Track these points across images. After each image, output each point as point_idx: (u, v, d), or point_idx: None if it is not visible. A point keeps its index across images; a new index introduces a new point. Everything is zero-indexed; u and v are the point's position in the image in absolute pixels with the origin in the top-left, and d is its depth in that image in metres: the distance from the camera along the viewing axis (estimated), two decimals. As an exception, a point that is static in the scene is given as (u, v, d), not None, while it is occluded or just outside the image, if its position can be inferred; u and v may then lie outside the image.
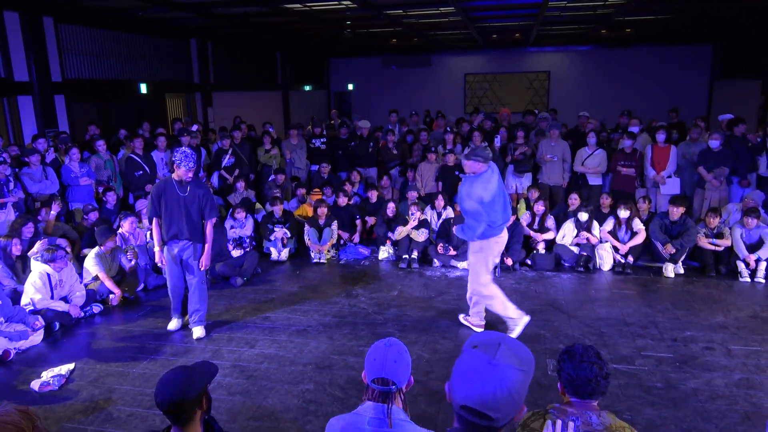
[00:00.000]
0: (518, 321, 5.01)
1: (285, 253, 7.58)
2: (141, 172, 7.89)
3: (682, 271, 6.76)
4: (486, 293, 5.04)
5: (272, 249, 7.58)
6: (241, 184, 8.48)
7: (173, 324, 5.37)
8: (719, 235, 6.72)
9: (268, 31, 13.32)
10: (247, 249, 7.18)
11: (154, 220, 5.06)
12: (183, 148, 5.04)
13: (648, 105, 14.54)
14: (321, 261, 7.46)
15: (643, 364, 4.58)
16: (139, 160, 7.92)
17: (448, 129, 9.69)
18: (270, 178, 8.94)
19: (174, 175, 4.98)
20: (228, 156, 8.84)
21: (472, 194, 4.70)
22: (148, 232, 6.65)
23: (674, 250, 6.64)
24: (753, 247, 6.56)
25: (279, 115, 16.12)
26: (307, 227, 7.61)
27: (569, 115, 12.49)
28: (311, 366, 4.63)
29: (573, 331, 5.26)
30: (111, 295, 6.01)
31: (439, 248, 7.06)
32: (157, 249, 5.15)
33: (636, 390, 4.20)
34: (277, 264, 7.48)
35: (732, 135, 7.90)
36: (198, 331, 5.22)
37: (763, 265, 6.47)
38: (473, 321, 5.30)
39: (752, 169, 7.77)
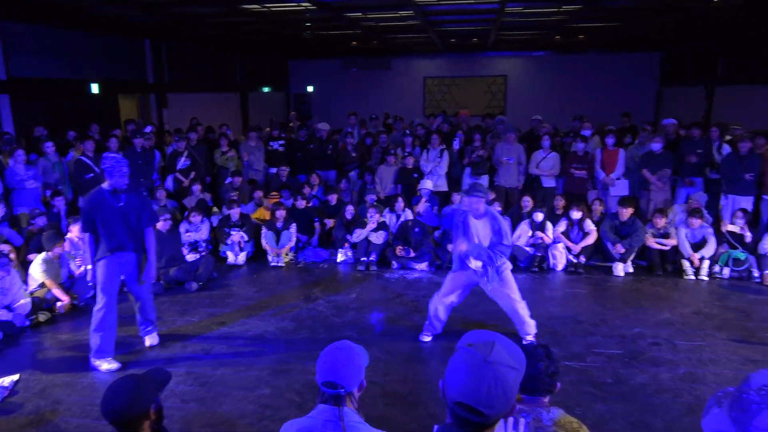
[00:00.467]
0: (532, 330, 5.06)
1: (242, 257, 7.48)
2: (92, 174, 7.64)
3: (631, 269, 7.00)
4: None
5: (229, 253, 7.47)
6: (197, 187, 8.33)
7: (106, 366, 4.62)
8: (665, 235, 6.99)
9: (226, 31, 13.14)
10: (203, 253, 7.05)
11: (87, 236, 4.62)
12: (112, 153, 4.74)
13: (600, 109, 14.96)
14: (279, 264, 7.39)
15: (594, 361, 4.72)
16: (89, 162, 7.67)
17: (407, 132, 9.76)
18: (227, 181, 8.81)
19: (105, 185, 4.54)
20: (183, 158, 8.67)
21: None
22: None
23: (624, 250, 6.87)
24: (697, 246, 6.85)
25: (237, 117, 15.90)
26: (264, 230, 7.53)
27: (526, 119, 12.76)
28: (268, 371, 4.58)
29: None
30: (58, 303, 5.80)
31: (398, 251, 7.10)
32: (89, 267, 4.71)
33: (587, 386, 4.32)
34: (234, 268, 7.38)
35: (685, 138, 8.25)
36: (150, 339, 5.07)
37: (706, 264, 6.76)
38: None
39: (701, 174, 8.11)
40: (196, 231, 7.32)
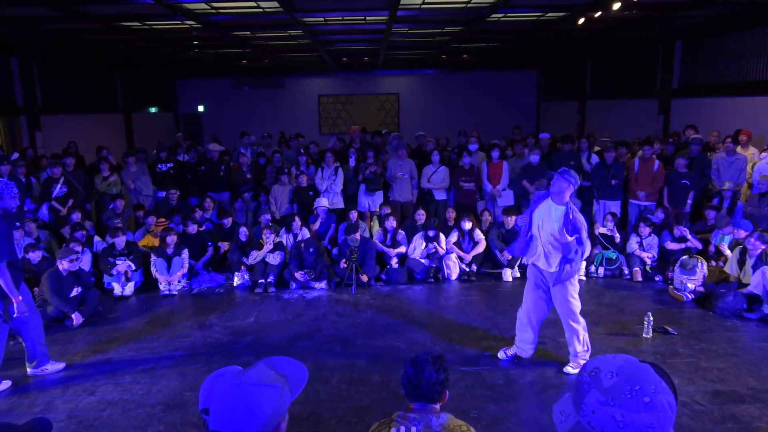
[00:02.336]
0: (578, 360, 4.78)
1: (129, 288, 7.06)
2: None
3: (518, 274, 7.44)
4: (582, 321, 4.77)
5: (115, 284, 7.02)
6: (76, 215, 7.76)
7: None
8: (547, 240, 7.50)
9: (105, 49, 12.46)
10: (86, 286, 6.57)
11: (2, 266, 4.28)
12: None
13: (487, 124, 15.86)
14: (171, 293, 7.06)
15: (486, 364, 4.95)
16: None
17: (302, 150, 9.75)
18: (110, 207, 8.30)
19: None
20: (59, 185, 8.06)
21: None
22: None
23: (511, 256, 7.30)
24: (574, 249, 7.41)
25: (121, 139, 15.03)
26: (153, 258, 7.17)
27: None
28: (161, 406, 4.35)
29: (425, 340, 5.53)
30: None
31: (298, 276, 7.04)
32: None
33: (481, 389, 4.52)
34: (121, 300, 6.94)
35: (556, 150, 8.93)
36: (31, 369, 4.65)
37: (583, 264, 7.32)
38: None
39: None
40: (78, 262, 6.79)
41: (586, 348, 4.78)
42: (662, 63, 11.99)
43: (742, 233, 6.61)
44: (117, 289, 7.01)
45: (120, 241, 7.17)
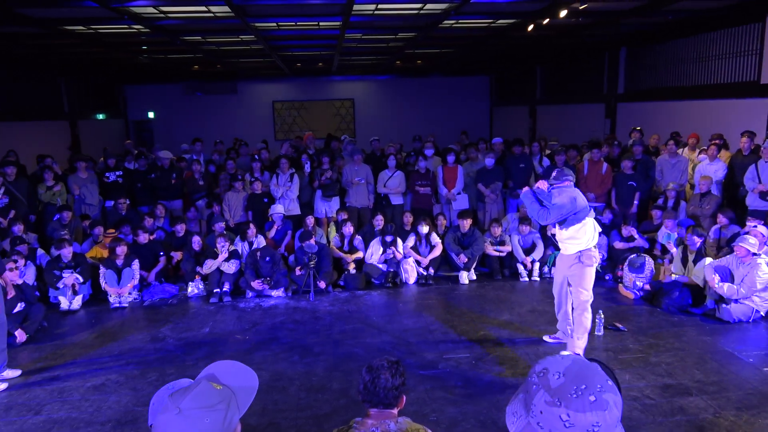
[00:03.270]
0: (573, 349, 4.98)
1: (77, 301, 6.78)
2: None
3: (474, 277, 7.54)
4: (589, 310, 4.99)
5: (61, 298, 6.74)
6: (18, 228, 7.40)
7: None
8: (502, 243, 7.64)
9: (48, 53, 12.00)
10: (30, 301, 6.28)
11: None
12: None
13: (442, 129, 16.06)
14: (121, 305, 6.82)
15: (445, 367, 4.99)
16: None
17: (256, 157, 9.61)
18: (55, 218, 7.96)
19: None
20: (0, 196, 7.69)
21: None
22: None
23: (467, 259, 7.40)
24: (528, 251, 7.58)
25: (66, 147, 14.46)
26: (102, 269, 6.92)
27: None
28: (111, 424, 4.19)
29: (384, 345, 5.53)
30: None
31: (256, 285, 6.92)
32: None
33: (440, 392, 4.54)
34: (69, 314, 6.66)
35: (509, 154, 9.12)
36: None
37: (537, 266, 7.50)
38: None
39: (525, 184, 9.00)
40: (20, 277, 6.49)
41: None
42: (608, 69, 12.43)
43: (683, 231, 6.91)
44: (64, 303, 6.73)
45: (66, 252, 6.89)
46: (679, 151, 8.60)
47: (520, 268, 7.50)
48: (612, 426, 1.10)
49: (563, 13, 7.81)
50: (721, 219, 7.11)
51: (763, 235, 6.05)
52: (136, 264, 7.05)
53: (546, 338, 5.51)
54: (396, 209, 8.79)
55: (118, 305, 6.82)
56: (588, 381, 1.11)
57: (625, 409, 4.14)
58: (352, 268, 7.43)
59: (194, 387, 1.30)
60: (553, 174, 4.93)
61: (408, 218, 7.98)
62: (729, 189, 7.94)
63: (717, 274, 5.91)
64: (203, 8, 7.76)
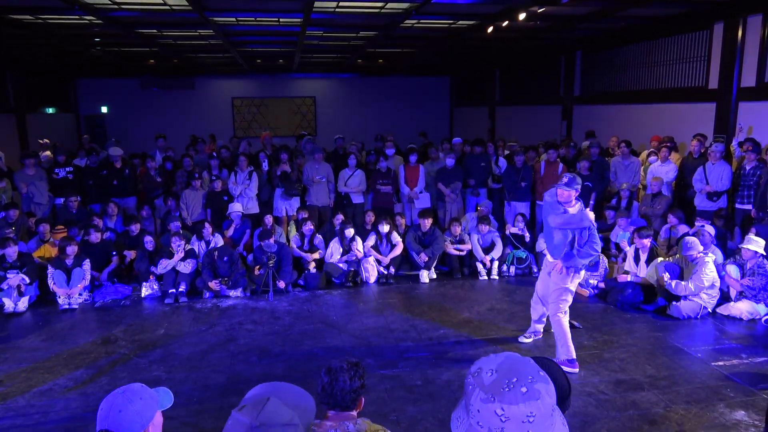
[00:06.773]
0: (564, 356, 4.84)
1: (23, 303, 6.49)
2: None
3: (435, 275, 7.58)
4: (566, 322, 4.92)
5: (5, 300, 6.42)
6: (-42, 226, 7.05)
7: None
8: (461, 241, 7.71)
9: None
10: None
11: None
12: None
13: (403, 129, 16.09)
14: (71, 307, 6.56)
15: (405, 366, 4.99)
16: None
17: (214, 154, 9.41)
18: (0, 216, 7.60)
19: None
20: (-62, 193, 7.29)
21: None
22: None
23: (427, 258, 7.43)
24: (487, 249, 7.67)
25: (13, 142, 13.81)
26: (51, 270, 6.64)
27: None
28: (58, 431, 4.02)
29: (344, 345, 5.49)
30: None
31: (213, 285, 6.78)
32: None
33: (400, 391, 4.54)
34: (13, 316, 6.37)
35: (468, 154, 9.20)
36: None
37: (496, 264, 7.60)
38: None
39: (484, 184, 9.12)
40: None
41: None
42: (565, 72, 12.71)
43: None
44: (8, 304, 6.43)
45: (11, 252, 6.58)
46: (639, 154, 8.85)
47: (480, 266, 7.58)
48: (547, 415, 1.11)
49: (522, 16, 7.93)
50: (671, 219, 7.37)
51: (710, 235, 6.30)
52: (87, 264, 6.79)
53: (522, 339, 5.49)
54: (357, 208, 8.76)
55: (67, 307, 6.55)
56: (519, 374, 1.13)
57: (581, 404, 4.25)
58: (312, 267, 7.36)
59: (263, 404, 1.27)
60: (565, 180, 4.71)
61: (369, 217, 7.96)
62: (679, 190, 8.24)
63: (667, 272, 6.11)
64: (159, 0, 7.54)
